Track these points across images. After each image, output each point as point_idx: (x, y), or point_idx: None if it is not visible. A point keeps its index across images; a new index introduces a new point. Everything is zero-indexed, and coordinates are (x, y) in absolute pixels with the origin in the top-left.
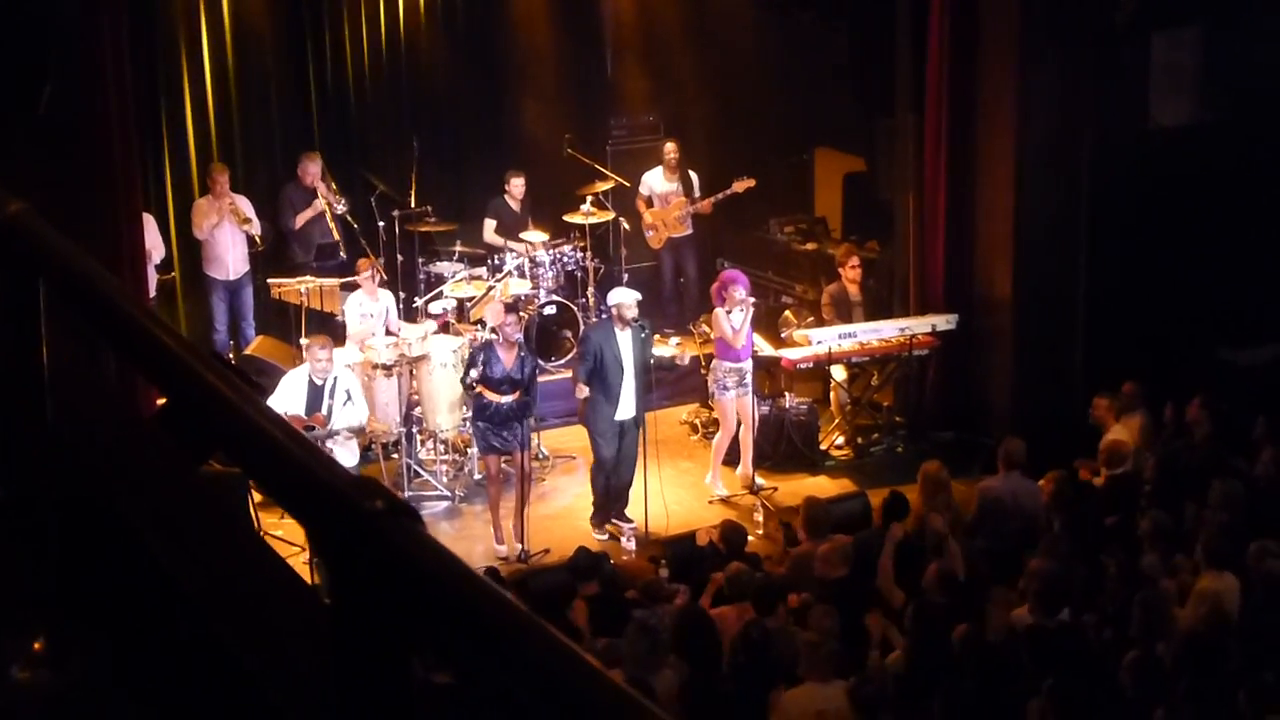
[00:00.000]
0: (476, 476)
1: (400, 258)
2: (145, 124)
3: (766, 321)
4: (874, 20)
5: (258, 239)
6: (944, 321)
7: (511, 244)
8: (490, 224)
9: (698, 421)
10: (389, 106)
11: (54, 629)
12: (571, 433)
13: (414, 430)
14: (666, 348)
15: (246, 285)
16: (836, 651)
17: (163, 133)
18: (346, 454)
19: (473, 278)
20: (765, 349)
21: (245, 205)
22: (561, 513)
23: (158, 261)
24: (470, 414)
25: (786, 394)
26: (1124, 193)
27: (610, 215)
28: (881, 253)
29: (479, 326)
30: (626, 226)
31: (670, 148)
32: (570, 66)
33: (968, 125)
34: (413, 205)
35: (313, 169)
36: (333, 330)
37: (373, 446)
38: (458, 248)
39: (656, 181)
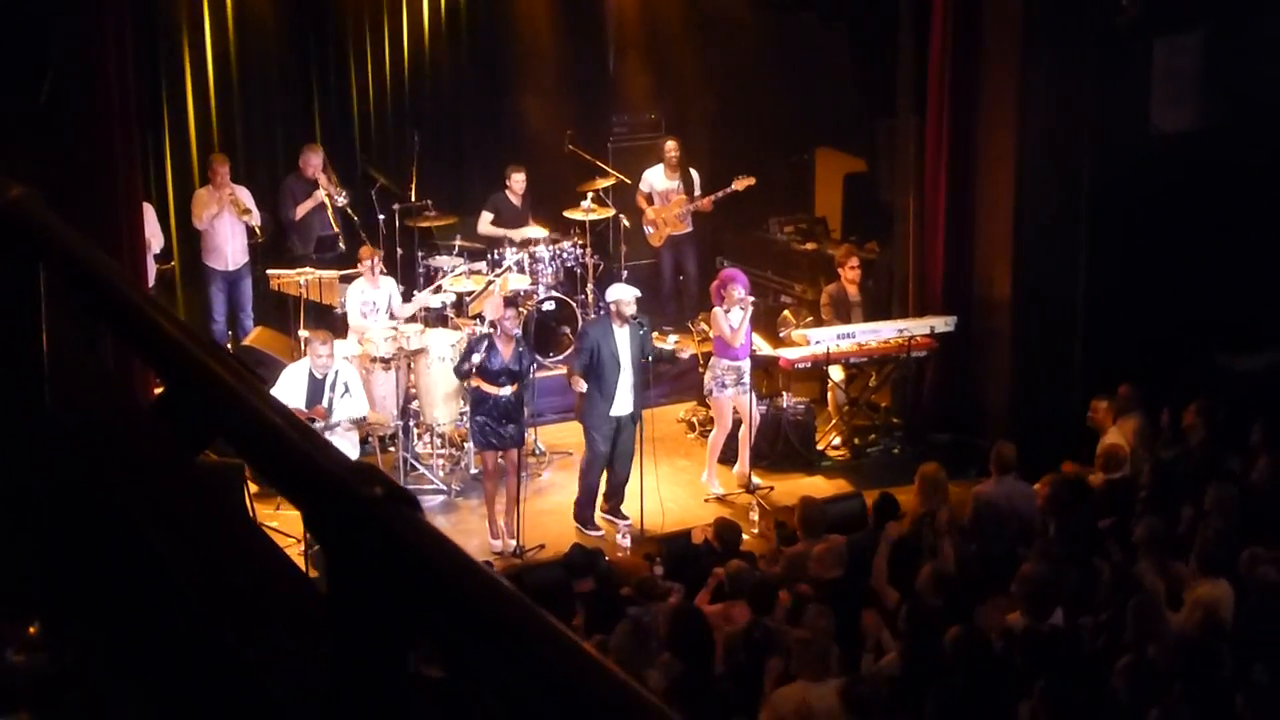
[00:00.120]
0: (473, 471)
1: (400, 251)
2: (146, 114)
3: (765, 321)
4: (876, 21)
5: (257, 230)
6: (942, 323)
7: (510, 233)
8: (487, 216)
9: (695, 420)
10: (391, 100)
11: (50, 614)
12: (568, 429)
13: (411, 424)
14: (665, 345)
15: (245, 276)
16: (829, 650)
17: (164, 122)
18: (347, 445)
19: (472, 272)
20: (764, 348)
21: (245, 196)
22: (557, 508)
23: (157, 251)
24: (468, 409)
25: (784, 393)
26: (1124, 196)
27: (610, 212)
28: (881, 253)
29: (478, 321)
30: (626, 223)
31: (671, 145)
32: (572, 63)
33: (969, 127)
34: (413, 199)
35: (314, 160)
36: (331, 322)
37: (369, 439)
38: (457, 242)
39: (657, 179)
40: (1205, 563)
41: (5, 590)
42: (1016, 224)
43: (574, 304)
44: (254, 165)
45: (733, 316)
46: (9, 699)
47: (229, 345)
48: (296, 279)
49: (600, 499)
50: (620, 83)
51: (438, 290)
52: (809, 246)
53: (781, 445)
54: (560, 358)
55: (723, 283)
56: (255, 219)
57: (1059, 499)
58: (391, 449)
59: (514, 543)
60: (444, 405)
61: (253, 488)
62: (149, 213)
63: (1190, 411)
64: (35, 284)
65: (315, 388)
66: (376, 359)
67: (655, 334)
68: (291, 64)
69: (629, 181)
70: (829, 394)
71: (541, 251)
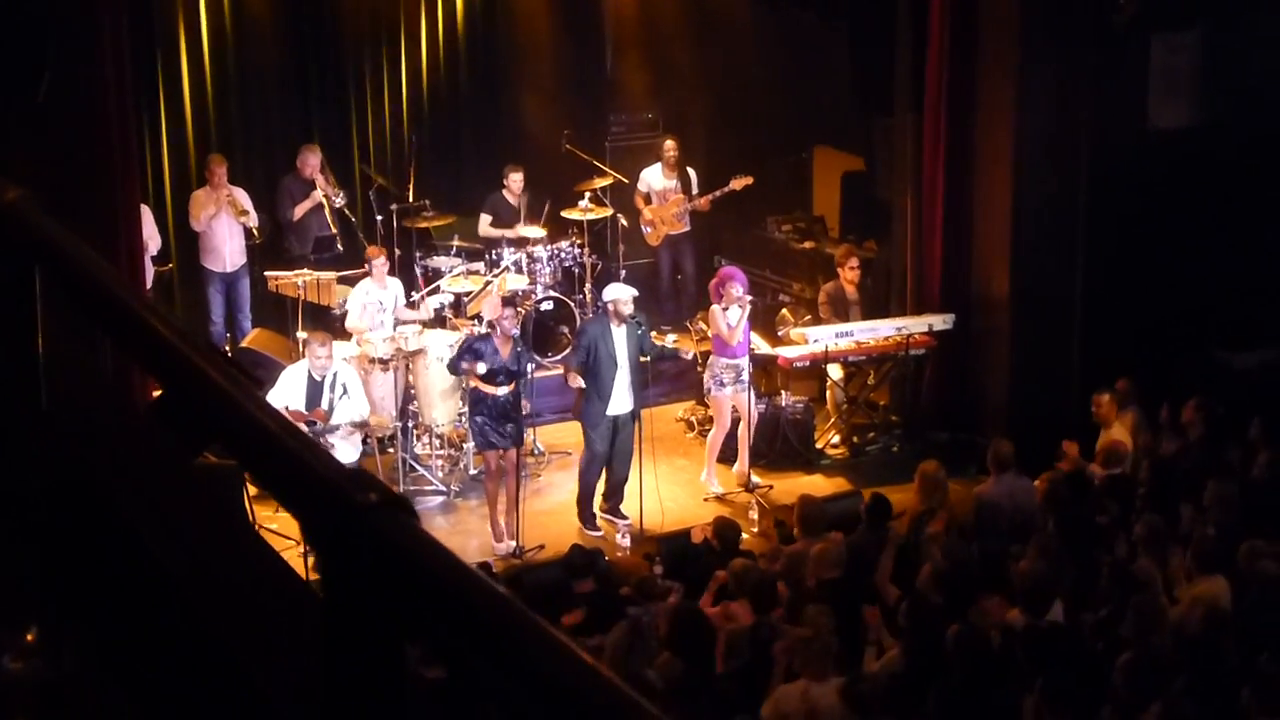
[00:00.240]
0: (472, 471)
1: (398, 252)
2: (144, 114)
3: (763, 320)
4: (874, 20)
5: (255, 231)
6: (941, 321)
7: (508, 233)
8: (486, 218)
9: (694, 419)
10: (388, 100)
11: (47, 620)
12: (567, 429)
13: (410, 424)
14: (667, 344)
15: (243, 277)
16: (832, 649)
17: (161, 123)
18: (348, 448)
19: (470, 272)
20: (762, 347)
21: (243, 197)
22: (557, 508)
23: (154, 253)
24: (466, 409)
25: (783, 392)
26: (1122, 194)
27: (608, 211)
28: (879, 252)
29: (476, 321)
30: (624, 223)
31: (669, 145)
32: (570, 62)
33: (966, 125)
34: (410, 199)
35: (312, 161)
36: (329, 323)
37: (368, 440)
38: (455, 242)
39: (655, 178)
40: (1203, 559)
41: (2, 596)
42: (1014, 221)
43: (572, 303)
44: (251, 166)
45: (731, 315)
46: (7, 706)
47: (227, 346)
48: (294, 280)
49: (599, 498)
50: (618, 82)
51: (435, 291)
52: (807, 245)
53: (780, 444)
54: (559, 357)
55: (721, 281)
56: (252, 220)
57: (1057, 495)
58: (390, 450)
59: (514, 543)
60: (443, 406)
61: (252, 490)
62: (146, 214)
63: (1189, 408)
64: (31, 287)
65: (314, 389)
66: (375, 360)
67: (654, 333)
68: (289, 64)
69: (627, 181)
70: (828, 392)
71: (539, 251)
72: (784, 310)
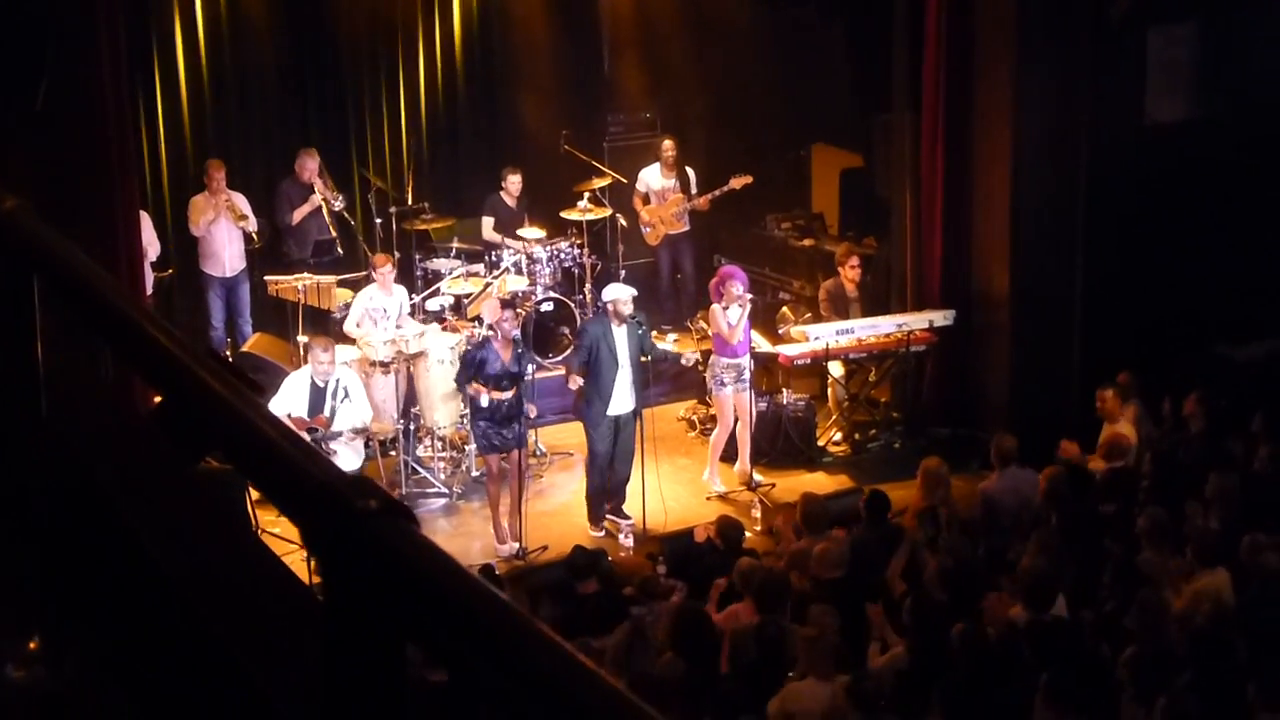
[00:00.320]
0: (474, 473)
1: (397, 254)
2: (142, 120)
3: (764, 318)
4: (871, 17)
5: (254, 235)
6: (941, 317)
7: (509, 241)
8: (488, 221)
9: (695, 418)
10: (386, 103)
11: (49, 627)
12: (569, 429)
13: (411, 427)
14: (665, 345)
15: (243, 282)
16: (837, 648)
17: (159, 129)
18: (351, 454)
19: (470, 274)
20: (763, 345)
21: (241, 202)
22: (559, 509)
23: (153, 259)
24: (468, 412)
25: (784, 390)
26: (1120, 189)
27: (607, 212)
28: (879, 249)
29: (476, 323)
30: (624, 223)
31: (667, 144)
32: (567, 63)
33: (965, 122)
34: (409, 202)
35: (310, 165)
36: (328, 326)
37: (370, 444)
38: (455, 244)
39: (654, 178)
40: (1204, 552)
41: (3, 604)
42: (1013, 217)
43: (572, 304)
44: (250, 171)
45: (731, 314)
46: (10, 714)
47: (228, 351)
48: (294, 284)
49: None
50: (615, 82)
51: (435, 294)
52: (806, 243)
53: (782, 442)
54: (559, 358)
55: (721, 280)
56: (252, 225)
57: (1058, 490)
58: (393, 453)
59: (517, 545)
60: (444, 408)
61: (254, 494)
62: (145, 220)
63: (1190, 401)
64: (30, 295)
65: (317, 396)
66: (376, 363)
67: (654, 333)
68: (286, 68)
69: (625, 181)
70: (829, 390)
71: (539, 252)
72: (784, 308)
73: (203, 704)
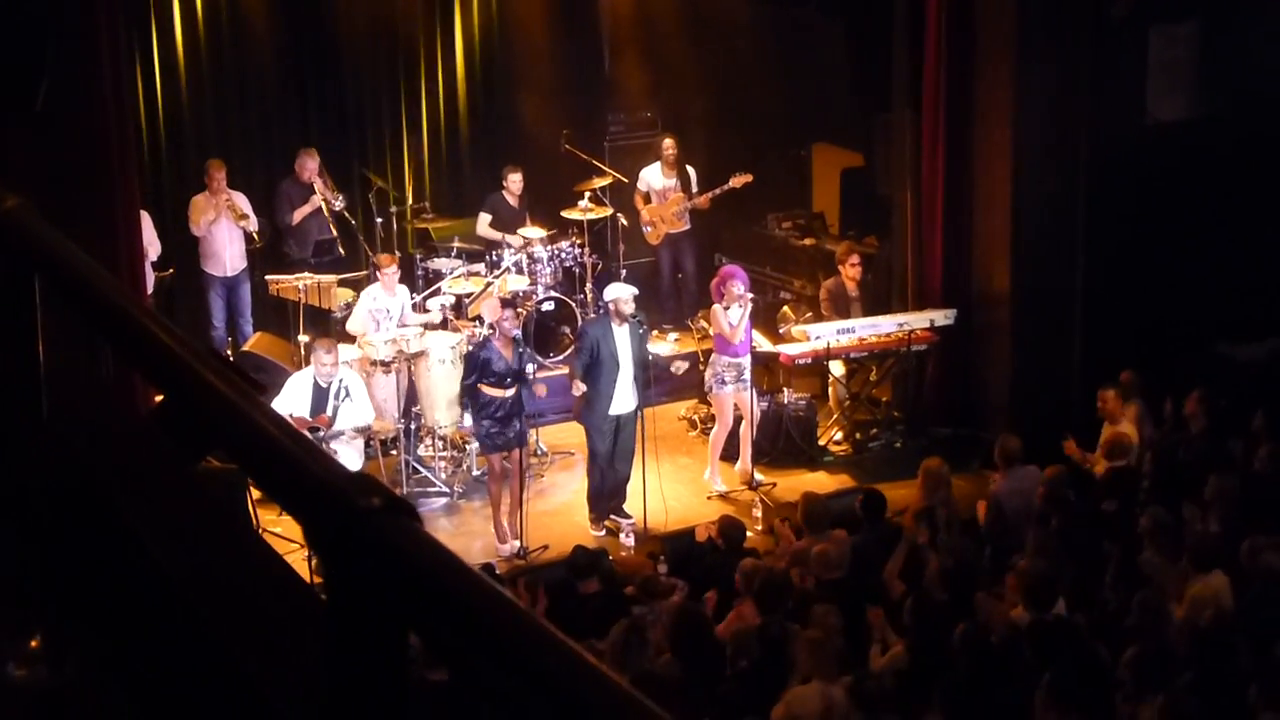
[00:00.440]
0: (475, 473)
1: (398, 254)
2: (142, 120)
3: (765, 317)
4: (872, 15)
5: (255, 235)
6: (942, 317)
7: (509, 238)
8: (485, 218)
9: (696, 417)
10: (387, 102)
11: (50, 626)
12: (570, 429)
13: (413, 427)
14: (665, 344)
15: (244, 282)
16: (841, 649)
17: (160, 129)
18: (352, 454)
19: (471, 274)
20: (764, 344)
21: (242, 201)
22: (560, 509)
23: (154, 258)
24: (471, 412)
25: (785, 390)
26: (1121, 188)
27: (608, 211)
28: (879, 248)
29: (477, 322)
30: (625, 222)
31: (668, 143)
32: (568, 62)
33: (965, 121)
34: (410, 201)
35: (310, 164)
36: (329, 326)
37: (371, 443)
38: (456, 244)
39: (654, 177)
40: (1201, 557)
41: (4, 603)
42: (1014, 216)
43: (573, 304)
44: (251, 170)
45: (732, 313)
46: (10, 713)
47: (229, 351)
48: (295, 284)
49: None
50: (616, 81)
51: (436, 293)
52: (807, 242)
53: (783, 441)
54: (560, 358)
55: (722, 280)
56: (252, 224)
57: (1057, 493)
58: (394, 452)
59: (517, 543)
60: (445, 408)
61: (255, 493)
62: (146, 220)
63: (1191, 400)
64: (31, 295)
65: (320, 396)
66: (377, 363)
67: (655, 333)
68: (287, 68)
69: (626, 180)
70: (830, 389)
71: (540, 251)
72: (785, 308)
73: (203, 704)
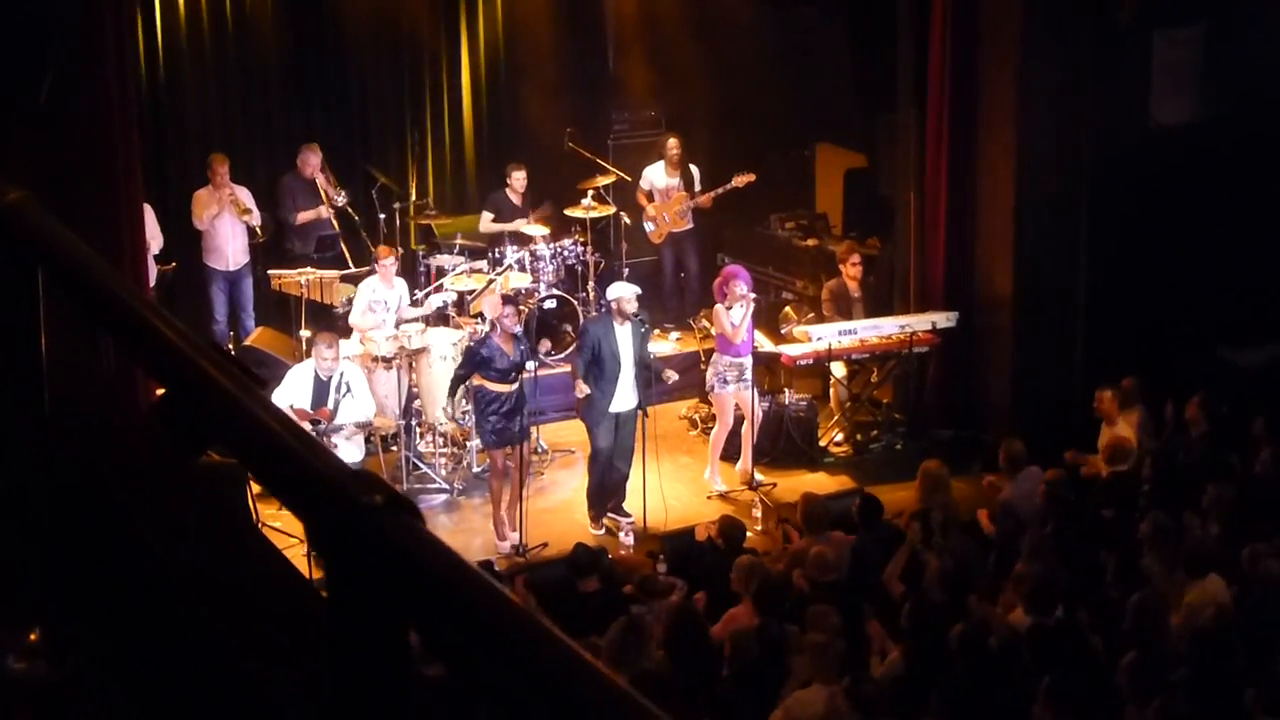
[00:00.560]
0: (475, 469)
1: (400, 250)
2: (146, 114)
3: (767, 317)
4: (875, 16)
5: (258, 230)
6: (944, 319)
7: (520, 223)
8: (487, 215)
9: (696, 417)
10: (390, 98)
11: (50, 621)
12: (570, 426)
13: (413, 423)
14: (667, 343)
15: (246, 276)
16: (842, 652)
17: (163, 122)
18: (352, 449)
19: (473, 271)
20: (765, 345)
21: (245, 196)
22: (560, 506)
23: (157, 252)
24: (473, 409)
25: (786, 390)
26: (1124, 190)
27: (611, 209)
28: (882, 249)
29: (478, 319)
30: (627, 221)
31: (672, 143)
32: (572, 60)
33: (969, 122)
34: (413, 198)
35: (313, 160)
36: (332, 321)
37: (371, 439)
38: (458, 240)
39: (657, 176)
40: (1195, 563)
41: (4, 598)
42: (1017, 218)
43: (575, 302)
44: (254, 165)
45: (734, 313)
46: (10, 707)
47: (230, 345)
48: (298, 279)
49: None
50: (620, 80)
51: (438, 289)
52: (810, 242)
53: (784, 442)
54: (561, 356)
55: (725, 279)
56: (255, 219)
57: (1058, 496)
58: (394, 448)
59: (516, 537)
60: (446, 404)
61: (255, 488)
62: (149, 213)
63: (1192, 405)
64: (34, 287)
65: (320, 389)
66: (378, 358)
67: (657, 332)
68: (290, 63)
69: (629, 179)
70: (831, 390)
71: (542, 249)
72: (787, 308)
73: (204, 699)
